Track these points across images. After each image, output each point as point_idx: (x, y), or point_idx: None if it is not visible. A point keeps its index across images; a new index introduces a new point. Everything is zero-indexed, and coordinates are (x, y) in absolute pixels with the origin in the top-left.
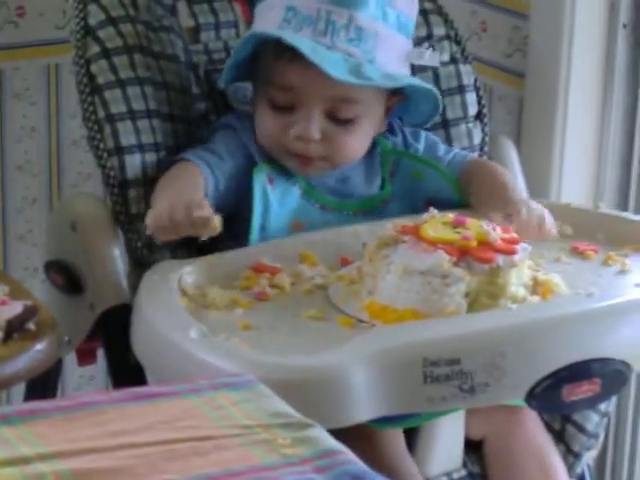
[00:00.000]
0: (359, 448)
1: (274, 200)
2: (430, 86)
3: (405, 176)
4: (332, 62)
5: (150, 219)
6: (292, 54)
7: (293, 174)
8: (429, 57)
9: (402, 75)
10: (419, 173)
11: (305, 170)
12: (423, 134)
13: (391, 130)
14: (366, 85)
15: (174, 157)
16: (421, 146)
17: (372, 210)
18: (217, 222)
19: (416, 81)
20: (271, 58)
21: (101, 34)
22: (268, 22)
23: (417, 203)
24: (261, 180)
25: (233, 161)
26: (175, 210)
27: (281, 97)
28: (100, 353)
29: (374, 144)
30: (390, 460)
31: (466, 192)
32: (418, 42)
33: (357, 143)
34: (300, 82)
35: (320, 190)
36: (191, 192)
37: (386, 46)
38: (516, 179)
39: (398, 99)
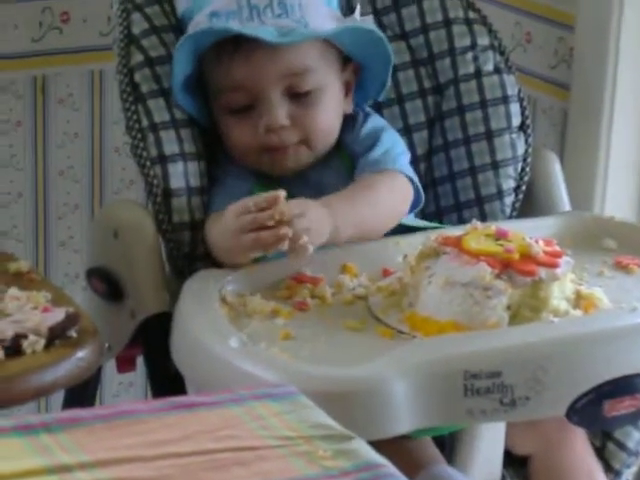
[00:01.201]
0: (389, 455)
1: None
2: (372, 26)
3: None
4: (265, 32)
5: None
6: (231, 50)
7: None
8: (359, 19)
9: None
10: None
11: (285, 163)
12: (378, 135)
13: (354, 124)
14: (301, 39)
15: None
16: (362, 147)
17: None
18: None
19: (354, 23)
20: (213, 66)
21: (145, 43)
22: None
23: None
24: None
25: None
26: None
27: (236, 98)
28: (139, 360)
29: (339, 148)
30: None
31: None
32: (462, 51)
33: (326, 116)
34: (248, 73)
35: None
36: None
37: (314, 13)
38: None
39: (354, 69)
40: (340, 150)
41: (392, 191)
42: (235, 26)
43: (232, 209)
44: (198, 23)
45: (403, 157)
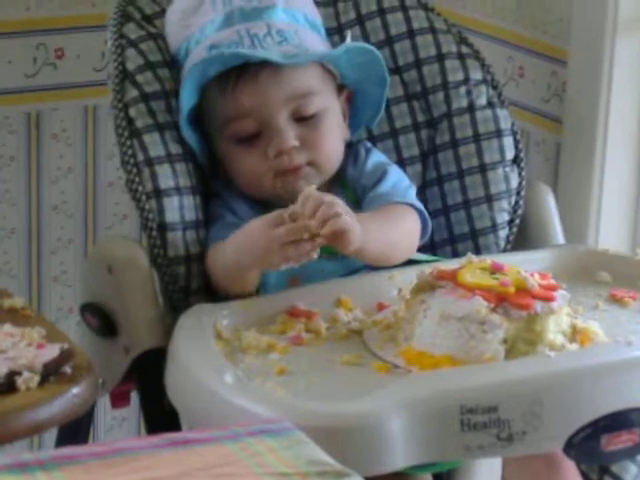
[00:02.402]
0: None
1: None
2: (370, 47)
3: None
4: (271, 55)
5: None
6: (235, 79)
7: None
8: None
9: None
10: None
11: (297, 184)
12: (384, 167)
13: (355, 158)
14: (306, 60)
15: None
16: (370, 180)
17: None
18: None
19: (351, 44)
20: (217, 97)
21: (139, 78)
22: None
23: None
24: None
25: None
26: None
27: (243, 126)
28: (133, 395)
29: (340, 180)
30: None
31: None
32: (455, 86)
33: (331, 138)
34: (254, 98)
35: None
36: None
37: (310, 40)
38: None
39: (347, 96)
40: (342, 183)
41: (409, 222)
42: (244, 50)
43: (265, 221)
44: (197, 55)
45: (411, 191)
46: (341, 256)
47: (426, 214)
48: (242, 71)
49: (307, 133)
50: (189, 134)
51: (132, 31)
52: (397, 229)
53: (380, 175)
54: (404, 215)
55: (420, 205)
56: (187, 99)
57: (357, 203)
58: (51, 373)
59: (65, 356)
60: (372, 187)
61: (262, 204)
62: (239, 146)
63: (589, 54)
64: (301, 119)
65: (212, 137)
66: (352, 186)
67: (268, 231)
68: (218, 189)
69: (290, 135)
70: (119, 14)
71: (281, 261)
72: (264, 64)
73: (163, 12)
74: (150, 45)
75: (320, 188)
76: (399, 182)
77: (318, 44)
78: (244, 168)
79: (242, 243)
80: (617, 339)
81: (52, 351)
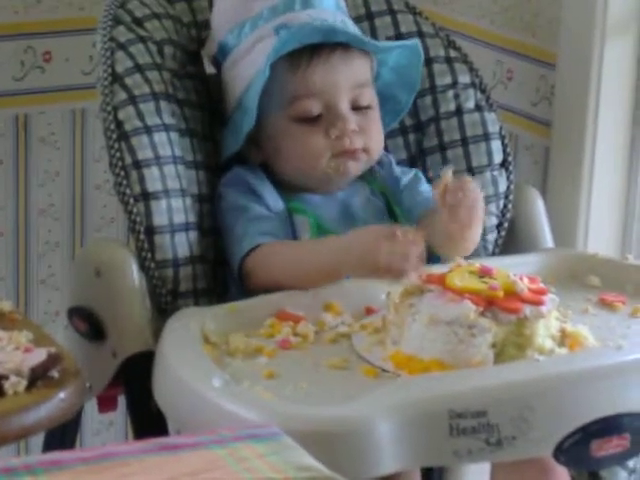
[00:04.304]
0: None
1: None
2: (419, 45)
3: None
4: (355, 34)
5: (385, 264)
6: (308, 58)
7: (306, 212)
8: None
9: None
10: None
11: (350, 166)
12: (414, 171)
13: (380, 162)
14: (383, 46)
15: (244, 248)
16: (406, 178)
17: None
18: None
19: (409, 42)
20: (286, 75)
21: (128, 81)
22: (262, 53)
23: None
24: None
25: (277, 217)
26: (395, 241)
27: (311, 105)
28: (121, 399)
29: (364, 177)
30: None
31: (420, 220)
32: (443, 90)
33: (379, 130)
34: (325, 80)
35: (328, 223)
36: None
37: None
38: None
39: None
40: (366, 179)
41: None
42: (337, 24)
43: (379, 231)
44: (259, 39)
45: None
46: None
47: None
48: (315, 51)
49: (362, 121)
50: (252, 113)
51: (122, 34)
52: None
53: (414, 178)
54: None
55: None
56: (263, 74)
57: (382, 197)
58: (38, 377)
59: (52, 360)
60: (412, 186)
61: (292, 192)
62: (300, 125)
63: (578, 57)
64: (356, 108)
65: (265, 116)
66: (381, 180)
67: (382, 240)
68: (240, 176)
69: (352, 119)
70: (109, 17)
71: (385, 271)
72: (335, 47)
73: (153, 15)
74: (139, 48)
75: (365, 169)
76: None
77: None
78: (304, 146)
79: (348, 246)
80: (607, 343)
81: (39, 355)
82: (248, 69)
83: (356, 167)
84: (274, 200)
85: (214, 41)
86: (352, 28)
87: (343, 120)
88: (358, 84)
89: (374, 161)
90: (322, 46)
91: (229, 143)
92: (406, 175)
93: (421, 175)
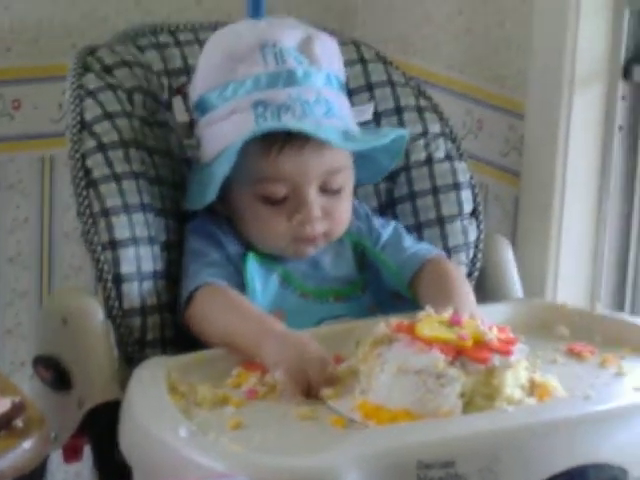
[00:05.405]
0: None
1: (258, 292)
2: (403, 130)
3: (372, 265)
4: (331, 134)
5: (283, 375)
6: (281, 145)
7: (273, 263)
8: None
9: (386, 130)
10: (382, 265)
11: (309, 250)
12: (393, 223)
13: (357, 214)
14: (363, 147)
15: (192, 285)
16: (386, 234)
17: (352, 297)
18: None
19: (400, 132)
20: (258, 156)
21: (97, 129)
22: (236, 126)
23: (386, 294)
24: (250, 272)
25: (231, 264)
26: (309, 365)
27: (276, 189)
28: (87, 449)
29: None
30: None
31: (417, 292)
32: (413, 139)
33: (348, 210)
34: (295, 169)
35: (297, 276)
36: (296, 335)
37: (346, 112)
38: (467, 288)
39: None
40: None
41: (456, 270)
42: (308, 127)
43: (318, 357)
44: (236, 110)
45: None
46: (325, 298)
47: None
48: (290, 138)
49: (329, 205)
50: (215, 187)
51: (91, 81)
52: (464, 283)
53: (394, 232)
54: (453, 270)
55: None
56: (231, 156)
57: (356, 251)
58: (2, 427)
59: (17, 409)
60: (394, 242)
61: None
62: (264, 205)
63: (546, 107)
64: (326, 191)
65: (234, 186)
66: (355, 232)
67: (305, 363)
68: (204, 223)
69: (317, 207)
70: (79, 64)
71: (283, 381)
72: (309, 138)
73: (123, 63)
74: (109, 95)
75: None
76: (407, 233)
77: (348, 110)
78: (265, 226)
79: (278, 340)
80: (575, 394)
81: (4, 404)
82: (220, 139)
83: (314, 250)
84: (236, 249)
85: (195, 90)
86: (335, 120)
87: (308, 207)
88: (330, 171)
89: (335, 238)
90: (296, 134)
91: (194, 196)
92: (385, 229)
93: (401, 229)
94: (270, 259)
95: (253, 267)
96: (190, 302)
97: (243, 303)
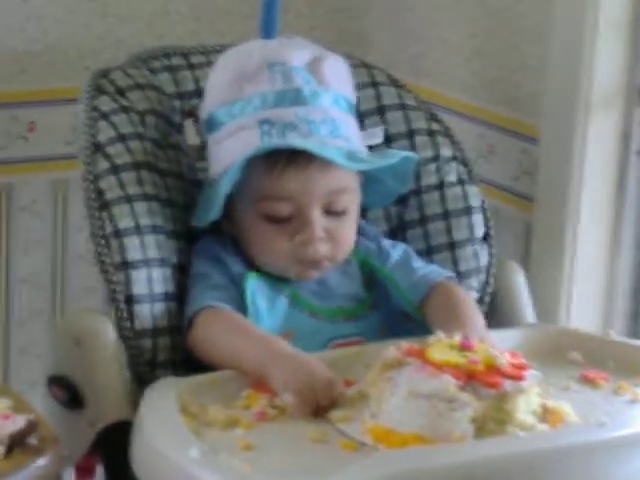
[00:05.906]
0: None
1: (263, 312)
2: (410, 153)
3: (381, 284)
4: (335, 155)
5: (292, 396)
6: (285, 163)
7: (280, 283)
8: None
9: (393, 152)
10: (390, 285)
11: (312, 274)
12: (403, 245)
13: (366, 234)
14: (369, 168)
15: (194, 308)
16: (396, 255)
17: (361, 316)
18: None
19: (407, 154)
20: (260, 174)
21: (110, 150)
22: (242, 143)
23: (396, 314)
24: (251, 291)
25: (235, 286)
26: (318, 386)
27: (279, 208)
28: (99, 468)
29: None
30: None
31: (426, 315)
32: (424, 163)
33: (352, 232)
34: (298, 187)
35: (305, 296)
36: (303, 356)
37: (353, 132)
38: (477, 315)
39: (361, 179)
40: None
41: (464, 294)
42: (311, 145)
43: (326, 379)
44: (242, 127)
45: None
46: (335, 318)
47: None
48: (294, 157)
49: (333, 227)
50: (219, 206)
51: (104, 103)
52: (474, 308)
53: (402, 254)
54: (462, 294)
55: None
56: (234, 174)
57: (362, 271)
58: (17, 444)
59: (31, 427)
60: (404, 264)
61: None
62: (267, 223)
63: (561, 132)
64: (330, 212)
65: (238, 203)
66: (364, 251)
67: (313, 384)
68: (208, 244)
69: (319, 228)
70: (92, 87)
71: (287, 400)
72: (314, 157)
73: (136, 85)
74: (122, 117)
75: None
76: (416, 256)
77: (355, 131)
78: (267, 245)
79: (287, 361)
80: (589, 420)
81: (18, 422)
82: (226, 155)
83: (318, 274)
84: (240, 269)
85: (205, 108)
86: (340, 141)
87: (311, 227)
88: (334, 191)
89: (339, 261)
90: (301, 153)
91: (201, 213)
92: (395, 250)
93: (411, 251)
94: (277, 279)
95: (255, 287)
96: (192, 325)
97: (246, 325)
